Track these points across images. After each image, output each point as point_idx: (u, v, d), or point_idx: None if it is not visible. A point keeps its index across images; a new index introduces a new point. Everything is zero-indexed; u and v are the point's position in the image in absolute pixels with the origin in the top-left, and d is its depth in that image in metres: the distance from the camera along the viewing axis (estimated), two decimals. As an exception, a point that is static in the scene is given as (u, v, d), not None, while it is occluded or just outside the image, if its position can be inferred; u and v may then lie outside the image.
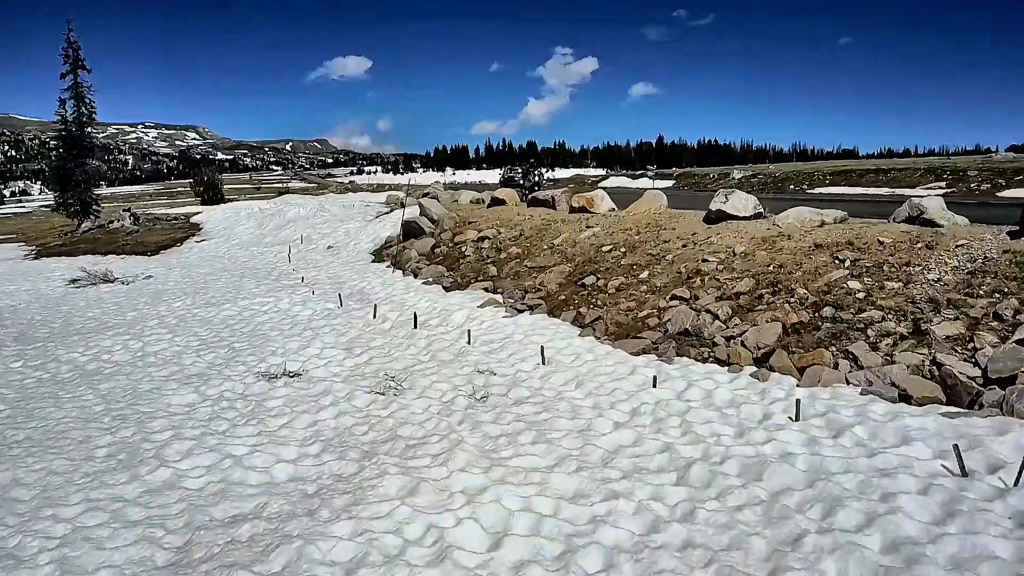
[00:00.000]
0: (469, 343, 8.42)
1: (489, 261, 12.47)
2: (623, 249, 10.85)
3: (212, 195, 55.08)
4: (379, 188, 74.16)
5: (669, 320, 8.16)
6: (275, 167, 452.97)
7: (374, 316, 10.14)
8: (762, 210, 10.84)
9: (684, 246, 10.23)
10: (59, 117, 30.76)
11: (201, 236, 23.66)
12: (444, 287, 11.77)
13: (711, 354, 7.31)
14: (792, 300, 7.68)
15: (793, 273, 8.25)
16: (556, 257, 11.57)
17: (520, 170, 40.67)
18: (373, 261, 15.10)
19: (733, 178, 39.69)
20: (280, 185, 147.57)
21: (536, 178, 19.17)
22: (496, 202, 16.65)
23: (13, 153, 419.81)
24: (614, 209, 13.55)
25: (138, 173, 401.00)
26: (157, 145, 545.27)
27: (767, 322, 7.42)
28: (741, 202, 10.85)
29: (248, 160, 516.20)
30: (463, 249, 13.51)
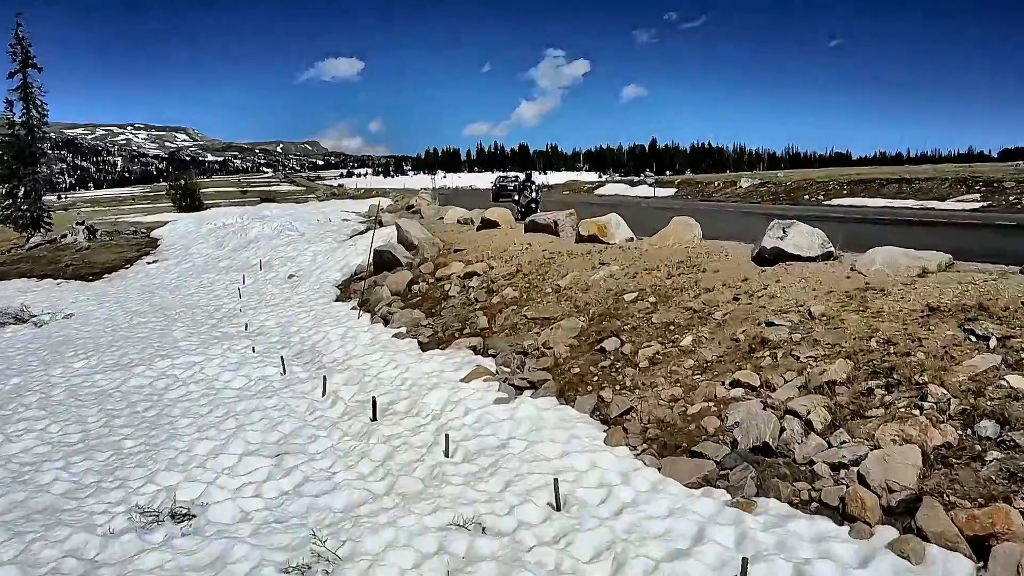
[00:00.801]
0: (447, 454, 5.87)
1: (478, 307, 9.91)
2: (652, 299, 8.34)
3: (189, 202, 52.30)
4: (366, 194, 70.98)
5: (736, 425, 5.64)
6: (265, 169, 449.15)
7: (323, 394, 7.57)
8: (832, 248, 8.36)
9: (735, 298, 7.72)
10: (6, 120, 28.01)
11: (155, 256, 21.00)
12: (420, 342, 9.23)
13: (813, 494, 4.80)
14: (924, 403, 5.17)
15: (911, 355, 5.74)
16: (564, 305, 9.04)
17: (513, 180, 37.95)
18: (337, 299, 12.55)
19: (740, 187, 37.42)
20: (268, 188, 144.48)
21: (533, 194, 16.67)
22: (487, 224, 14.11)
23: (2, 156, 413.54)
24: (632, 238, 11.03)
25: (127, 175, 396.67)
26: (147, 147, 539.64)
27: (894, 440, 4.91)
28: (805, 238, 8.36)
29: (238, 162, 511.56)
30: (446, 288, 10.95)
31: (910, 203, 24.52)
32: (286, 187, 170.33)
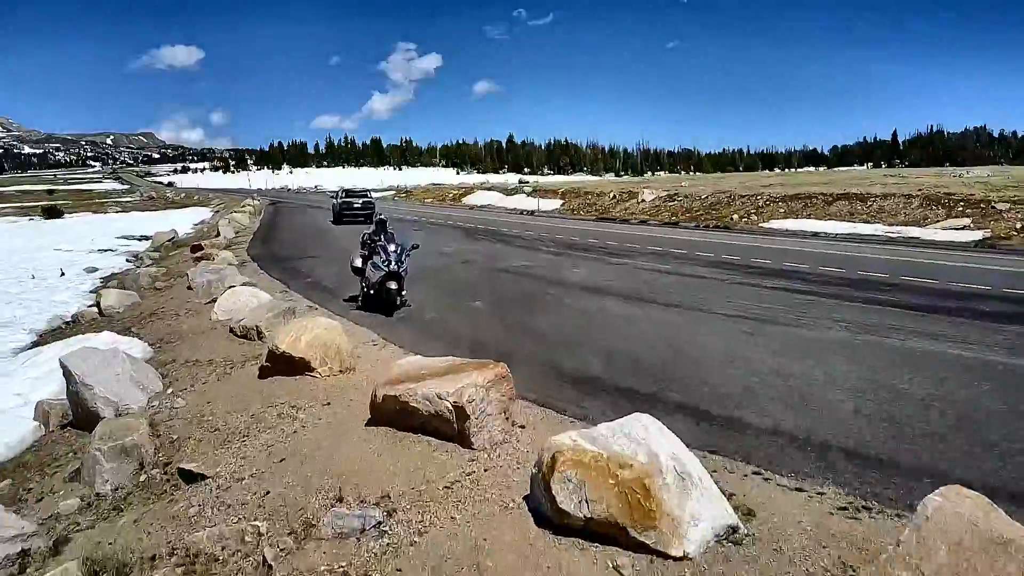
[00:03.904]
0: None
1: None
2: None
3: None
4: (199, 201, 57.45)
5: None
6: (93, 162, 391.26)
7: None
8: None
9: None
10: None
11: None
12: None
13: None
14: None
15: None
16: None
17: (361, 196, 28.85)
18: None
19: (643, 200, 31.58)
20: (82, 188, 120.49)
21: (393, 256, 8.62)
22: (279, 365, 5.97)
23: None
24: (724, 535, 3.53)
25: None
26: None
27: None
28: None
29: (61, 155, 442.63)
30: None
31: (880, 230, 19.56)
32: (109, 185, 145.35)
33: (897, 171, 40.08)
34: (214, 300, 9.05)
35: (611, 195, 34.92)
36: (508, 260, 14.36)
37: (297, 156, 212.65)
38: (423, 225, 26.50)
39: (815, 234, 20.05)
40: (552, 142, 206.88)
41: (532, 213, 35.66)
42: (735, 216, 24.44)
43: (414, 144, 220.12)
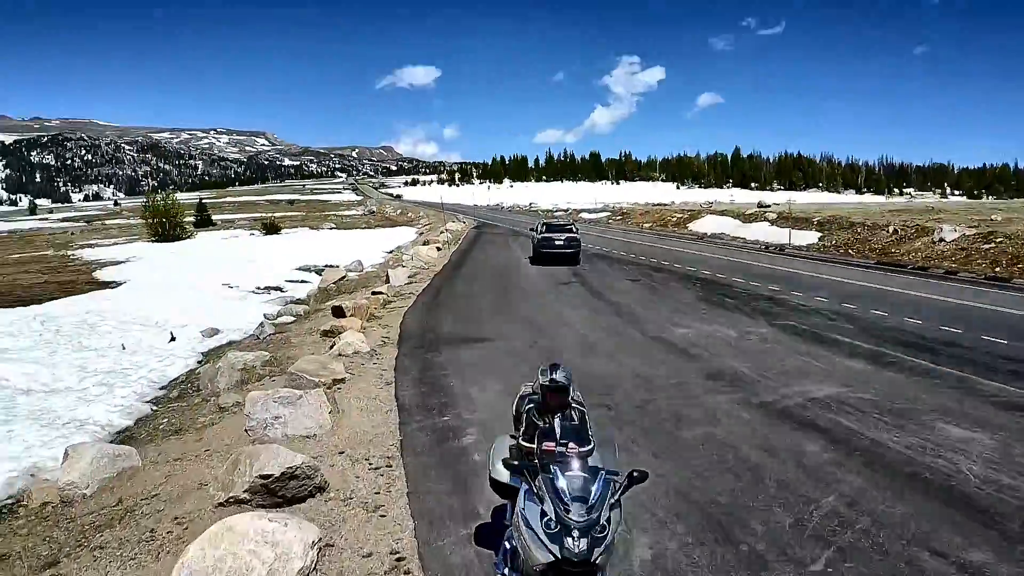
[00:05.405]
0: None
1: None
2: None
3: (169, 228, 41.05)
4: (410, 219, 58.18)
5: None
6: (340, 173, 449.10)
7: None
8: None
9: None
10: None
11: None
12: None
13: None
14: None
15: None
16: None
17: (564, 229, 23.60)
18: None
19: (942, 239, 22.42)
20: (323, 198, 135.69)
21: (587, 516, 3.27)
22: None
23: (89, 157, 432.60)
24: None
25: (207, 178, 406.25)
26: (228, 151, 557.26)
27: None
28: None
29: (314, 166, 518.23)
30: None
31: None
32: (345, 196, 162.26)
33: None
34: (230, 504, 4.46)
35: (889, 229, 25.80)
36: (803, 382, 8.16)
37: (518, 170, 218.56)
38: (643, 270, 20.71)
39: None
40: (784, 155, 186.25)
41: (782, 249, 27.91)
42: None
43: (633, 157, 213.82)
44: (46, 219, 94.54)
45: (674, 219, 44.38)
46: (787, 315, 12.78)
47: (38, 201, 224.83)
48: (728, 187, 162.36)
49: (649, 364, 9.19)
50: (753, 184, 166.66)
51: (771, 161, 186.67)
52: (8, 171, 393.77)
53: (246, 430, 6.36)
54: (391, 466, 5.75)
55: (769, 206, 43.09)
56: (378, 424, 6.77)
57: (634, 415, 7.04)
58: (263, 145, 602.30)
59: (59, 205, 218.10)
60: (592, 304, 14.38)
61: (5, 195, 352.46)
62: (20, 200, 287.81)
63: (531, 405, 4.13)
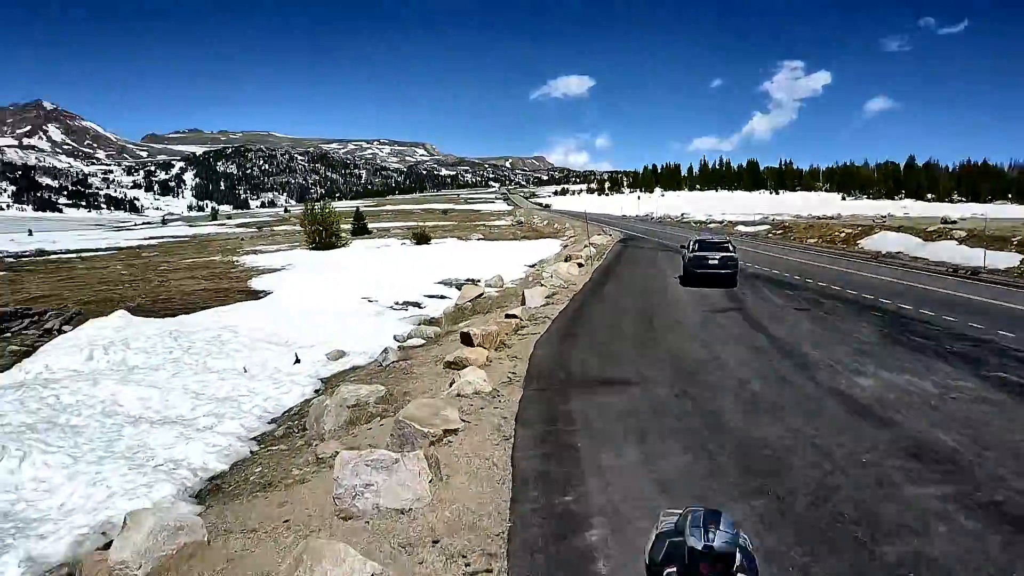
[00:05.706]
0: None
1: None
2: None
3: (326, 236, 43.48)
4: (556, 231, 57.46)
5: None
6: (493, 183, 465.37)
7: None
8: None
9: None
10: None
11: None
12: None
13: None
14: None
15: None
16: None
17: (721, 248, 20.72)
18: None
19: None
20: (477, 208, 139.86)
21: None
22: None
23: (266, 167, 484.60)
24: None
25: (369, 187, 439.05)
26: (389, 160, 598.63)
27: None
28: None
29: (469, 176, 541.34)
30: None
31: None
32: (497, 205, 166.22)
33: None
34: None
35: None
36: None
37: (670, 178, 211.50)
38: (811, 297, 18.03)
39: None
40: (967, 162, 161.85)
41: (976, 273, 23.42)
42: None
43: (793, 166, 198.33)
44: (224, 224, 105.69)
45: (842, 235, 39.44)
46: (1000, 364, 9.96)
47: (221, 207, 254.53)
48: (900, 198, 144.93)
49: (826, 429, 7.22)
50: (929, 195, 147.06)
51: (950, 170, 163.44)
52: (198, 179, 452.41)
53: (334, 497, 5.49)
54: (490, 570, 4.55)
55: (955, 221, 36.87)
56: (486, 500, 5.60)
57: (809, 513, 5.26)
58: (422, 155, 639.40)
59: (238, 211, 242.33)
60: (752, 339, 12.30)
61: (194, 201, 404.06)
62: (206, 206, 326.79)
63: (672, 570, 2.59)
